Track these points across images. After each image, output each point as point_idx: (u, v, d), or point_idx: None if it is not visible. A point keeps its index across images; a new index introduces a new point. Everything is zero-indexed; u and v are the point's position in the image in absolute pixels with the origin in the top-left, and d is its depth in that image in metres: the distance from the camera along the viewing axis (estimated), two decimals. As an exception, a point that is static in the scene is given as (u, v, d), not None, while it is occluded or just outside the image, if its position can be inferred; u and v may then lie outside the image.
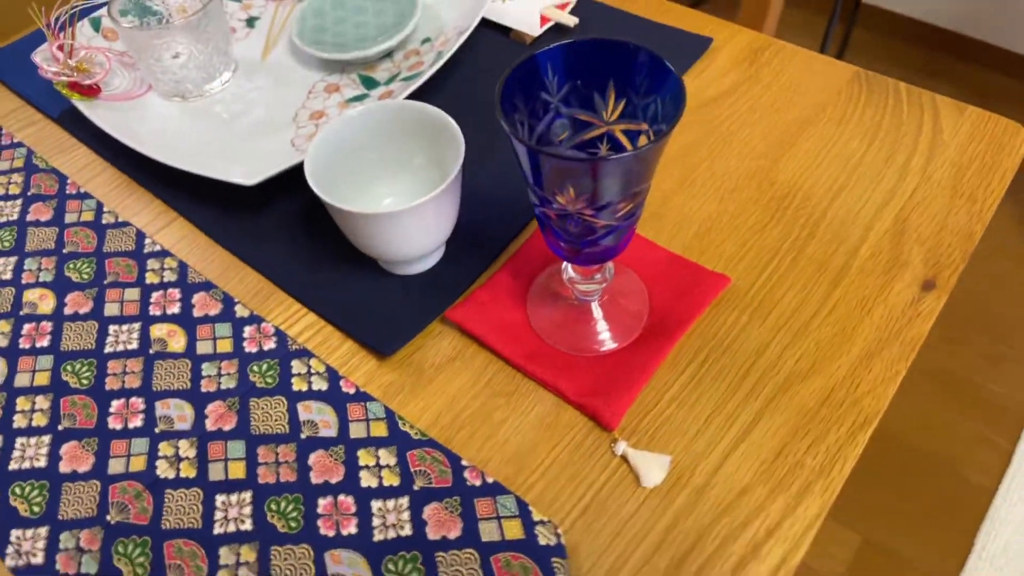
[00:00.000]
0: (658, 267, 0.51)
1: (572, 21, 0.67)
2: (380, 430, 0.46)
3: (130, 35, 0.59)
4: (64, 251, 0.57)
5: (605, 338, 0.49)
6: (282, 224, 0.57)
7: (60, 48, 0.61)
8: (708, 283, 0.50)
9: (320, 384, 0.48)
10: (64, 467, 0.46)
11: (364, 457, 0.45)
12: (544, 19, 0.68)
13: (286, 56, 0.68)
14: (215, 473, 0.45)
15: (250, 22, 0.71)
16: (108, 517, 0.44)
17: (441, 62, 0.60)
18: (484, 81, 0.65)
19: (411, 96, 0.59)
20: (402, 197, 0.54)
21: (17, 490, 0.45)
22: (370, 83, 0.64)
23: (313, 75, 0.66)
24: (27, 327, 0.53)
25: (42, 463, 0.46)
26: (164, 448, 0.46)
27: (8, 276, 0.56)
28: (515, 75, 0.38)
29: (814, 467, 0.43)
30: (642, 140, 0.41)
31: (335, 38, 0.66)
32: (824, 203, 0.54)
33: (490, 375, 0.48)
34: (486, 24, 0.69)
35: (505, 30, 0.69)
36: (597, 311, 0.50)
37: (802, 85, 0.62)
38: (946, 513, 1.23)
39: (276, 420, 0.47)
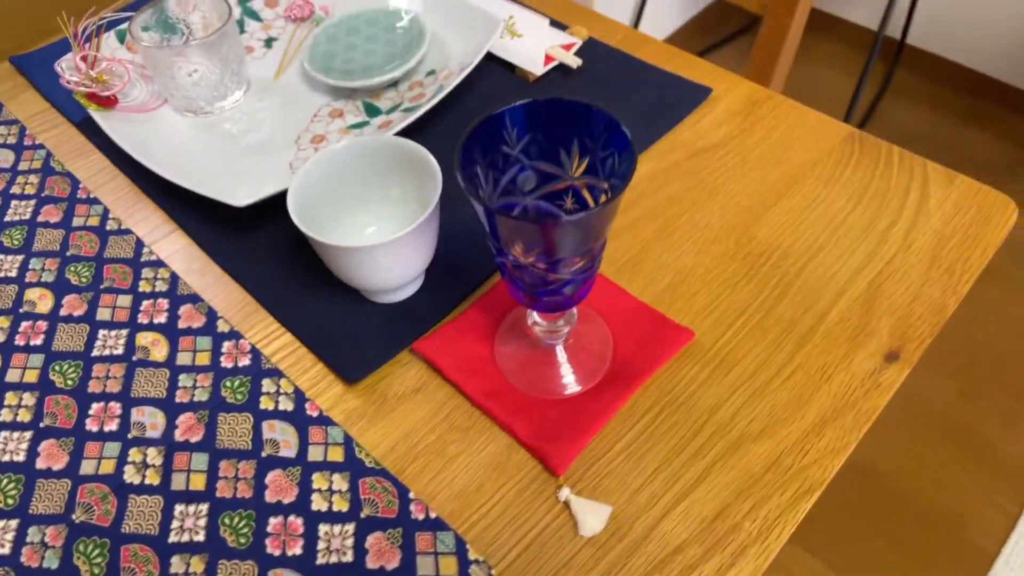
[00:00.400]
0: (626, 315, 0.52)
1: (576, 63, 0.69)
2: (337, 455, 0.48)
3: (147, 52, 0.62)
4: (67, 253, 0.60)
5: (567, 382, 0.50)
6: (273, 244, 0.59)
7: (83, 59, 0.65)
8: (672, 336, 0.51)
9: (286, 404, 0.50)
10: (40, 463, 0.49)
11: (318, 480, 0.47)
12: (548, 59, 0.69)
13: (297, 79, 0.70)
14: (177, 483, 0.47)
15: (268, 42, 0.73)
16: (74, 516, 0.46)
17: (440, 96, 0.62)
18: (484, 115, 0.66)
19: (413, 125, 0.61)
20: (385, 225, 0.55)
21: (-6, 482, 0.48)
22: (372, 111, 0.66)
23: (320, 99, 0.68)
24: (24, 325, 0.56)
25: (21, 458, 0.49)
26: (134, 454, 0.48)
27: (13, 273, 0.59)
28: (475, 133, 0.39)
29: (752, 531, 0.43)
30: (603, 198, 0.42)
31: (344, 65, 0.69)
32: (800, 263, 0.55)
33: (449, 410, 0.49)
34: (492, 59, 0.71)
35: (510, 67, 0.70)
36: (561, 354, 0.51)
37: (796, 142, 0.63)
38: (944, 572, 1.21)
39: (240, 436, 0.49)
